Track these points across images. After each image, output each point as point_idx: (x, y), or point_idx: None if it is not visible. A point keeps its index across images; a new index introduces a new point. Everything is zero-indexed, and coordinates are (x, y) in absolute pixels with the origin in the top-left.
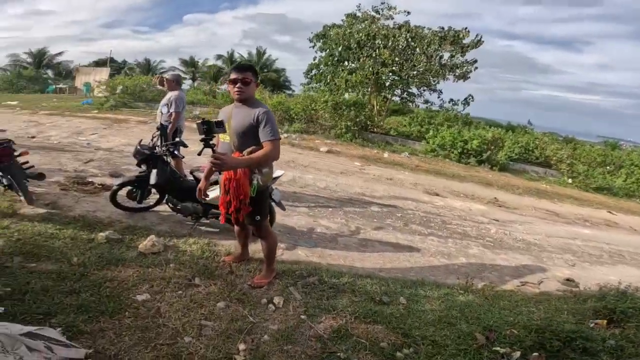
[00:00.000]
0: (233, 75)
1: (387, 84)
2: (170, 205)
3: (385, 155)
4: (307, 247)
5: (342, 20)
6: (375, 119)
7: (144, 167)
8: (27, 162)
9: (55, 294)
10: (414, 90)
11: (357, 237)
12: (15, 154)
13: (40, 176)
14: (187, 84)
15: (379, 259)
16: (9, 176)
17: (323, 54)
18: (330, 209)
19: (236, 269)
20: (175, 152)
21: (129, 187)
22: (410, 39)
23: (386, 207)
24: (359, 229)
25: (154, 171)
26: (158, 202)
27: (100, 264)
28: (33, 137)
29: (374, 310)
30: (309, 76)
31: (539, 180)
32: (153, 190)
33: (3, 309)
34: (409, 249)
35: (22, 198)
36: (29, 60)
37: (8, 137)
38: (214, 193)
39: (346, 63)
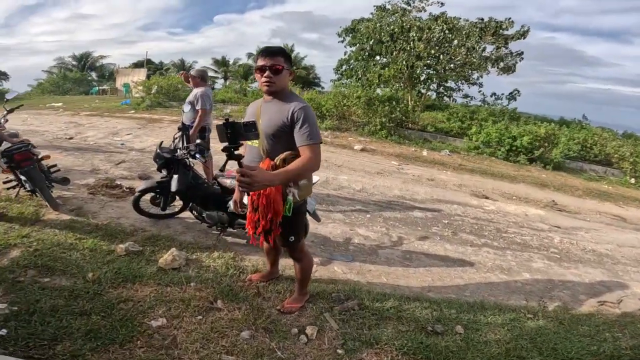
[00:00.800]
0: (261, 62)
1: (422, 78)
2: (195, 214)
3: (424, 153)
4: (344, 262)
5: (371, 13)
6: (411, 114)
7: (165, 172)
8: (55, 166)
9: (65, 315)
10: (450, 84)
11: (399, 248)
12: (38, 157)
13: (65, 181)
14: (219, 83)
15: (426, 276)
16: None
17: (353, 49)
18: (368, 215)
19: (264, 290)
20: (197, 155)
21: (152, 193)
22: (447, 31)
23: (430, 212)
24: (402, 239)
25: (175, 177)
26: (182, 209)
27: (116, 281)
28: (71, 138)
29: (425, 343)
30: (339, 72)
31: (599, 181)
32: (177, 196)
33: (5, 331)
34: (460, 263)
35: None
36: (74, 63)
37: (27, 140)
38: None
39: (378, 57)
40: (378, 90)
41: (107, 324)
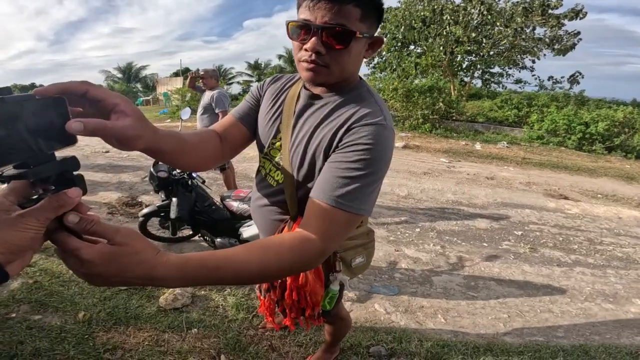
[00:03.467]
0: (304, 14)
1: (464, 65)
2: (206, 239)
3: (477, 146)
4: (388, 295)
5: (398, 2)
6: (455, 104)
7: (163, 195)
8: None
9: None
10: (496, 70)
11: (460, 273)
12: None
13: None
14: (254, 87)
15: (500, 311)
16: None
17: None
18: (418, 229)
19: (280, 343)
20: (194, 174)
21: (156, 217)
22: (485, 12)
23: (496, 221)
24: (463, 259)
25: (174, 201)
26: (194, 234)
27: (108, 322)
28: (107, 152)
29: None
30: (371, 65)
31: None
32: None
33: None
34: (547, 290)
35: None
36: (119, 75)
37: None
38: (251, 230)
39: (412, 46)
40: (416, 81)
41: None
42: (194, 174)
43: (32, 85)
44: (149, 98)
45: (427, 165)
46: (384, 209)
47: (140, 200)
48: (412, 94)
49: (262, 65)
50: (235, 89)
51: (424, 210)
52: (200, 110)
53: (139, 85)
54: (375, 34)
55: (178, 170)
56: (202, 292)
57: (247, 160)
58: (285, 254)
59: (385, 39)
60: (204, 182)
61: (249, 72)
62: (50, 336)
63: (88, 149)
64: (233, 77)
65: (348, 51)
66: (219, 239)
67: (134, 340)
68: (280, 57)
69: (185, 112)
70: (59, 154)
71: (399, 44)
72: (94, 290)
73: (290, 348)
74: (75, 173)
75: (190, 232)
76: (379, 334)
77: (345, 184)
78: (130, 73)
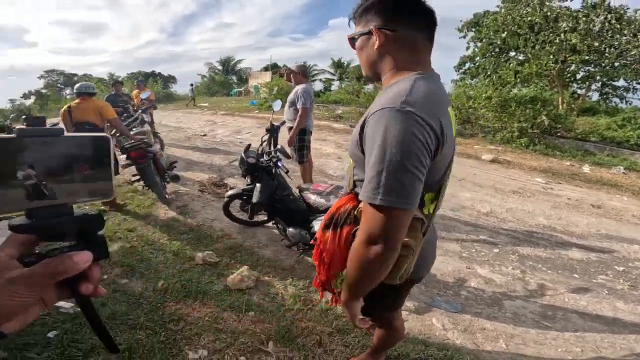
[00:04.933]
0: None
1: (579, 75)
2: (279, 227)
3: (585, 169)
4: (449, 312)
5: (497, 6)
6: (563, 119)
7: (249, 180)
8: (175, 162)
9: (118, 325)
10: (621, 83)
11: (538, 301)
12: (154, 155)
13: (175, 178)
14: (335, 85)
15: (574, 344)
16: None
17: (478, 45)
18: (496, 249)
19: (328, 340)
20: (280, 163)
21: (238, 200)
22: (614, 20)
23: (595, 254)
24: (544, 287)
25: (258, 186)
26: (268, 220)
27: (180, 294)
28: (204, 135)
29: None
30: (461, 71)
31: None
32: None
33: (54, 333)
34: (636, 329)
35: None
36: (219, 67)
37: (145, 140)
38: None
39: (513, 53)
40: (514, 91)
41: (148, 345)
42: (279, 164)
43: (153, 73)
44: (241, 89)
45: (517, 183)
46: (460, 224)
47: (226, 182)
48: (508, 104)
49: (345, 64)
50: (318, 86)
51: (507, 231)
52: (287, 103)
53: (234, 77)
54: (399, 28)
55: (265, 158)
56: (266, 278)
57: (324, 156)
58: (356, 251)
59: (478, 44)
60: (287, 172)
61: (332, 70)
62: (129, 301)
63: (190, 131)
64: (316, 74)
65: (360, 51)
66: (291, 229)
67: (197, 314)
68: None
69: (277, 104)
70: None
71: (497, 49)
72: (176, 261)
73: (337, 347)
74: (99, 233)
75: (266, 218)
76: (430, 349)
77: (367, 178)
78: (228, 66)
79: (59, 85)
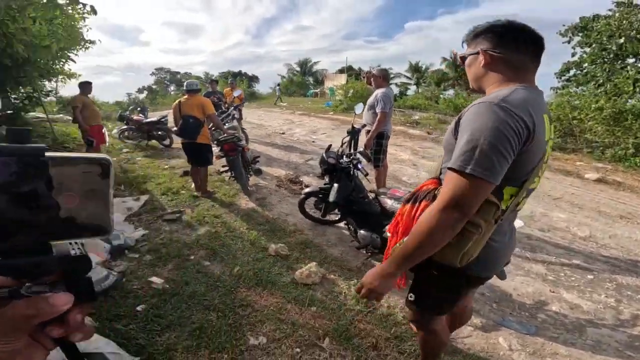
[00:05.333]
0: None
1: None
2: (349, 228)
3: None
4: (519, 333)
5: (609, 10)
6: None
7: (327, 179)
8: (259, 157)
9: (194, 305)
10: None
11: (628, 331)
12: (242, 148)
13: (258, 171)
14: (411, 90)
15: None
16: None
17: (587, 50)
18: (590, 275)
19: (384, 344)
20: (360, 166)
21: (314, 198)
22: None
23: None
24: (638, 318)
25: (335, 186)
26: (340, 220)
27: (252, 281)
28: (283, 133)
29: None
30: (564, 78)
31: None
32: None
33: (142, 307)
34: None
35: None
36: (298, 69)
37: (236, 134)
38: None
39: (631, 59)
40: (631, 101)
41: (217, 326)
42: (359, 166)
43: (240, 72)
44: (317, 91)
45: (627, 207)
46: (550, 245)
47: (301, 179)
48: (624, 117)
49: (423, 68)
50: (393, 90)
51: (607, 258)
52: (367, 106)
53: (310, 79)
54: (511, 51)
55: (345, 159)
56: (332, 276)
57: (398, 162)
58: (430, 216)
59: (587, 50)
60: (367, 174)
61: (408, 74)
62: (208, 283)
63: (270, 128)
64: (392, 78)
65: (469, 68)
66: (362, 231)
67: (264, 303)
68: (443, 60)
69: (359, 107)
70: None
71: (611, 55)
72: (252, 249)
73: (391, 352)
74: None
75: (337, 218)
76: None
77: (460, 152)
78: (305, 68)
79: (165, 82)
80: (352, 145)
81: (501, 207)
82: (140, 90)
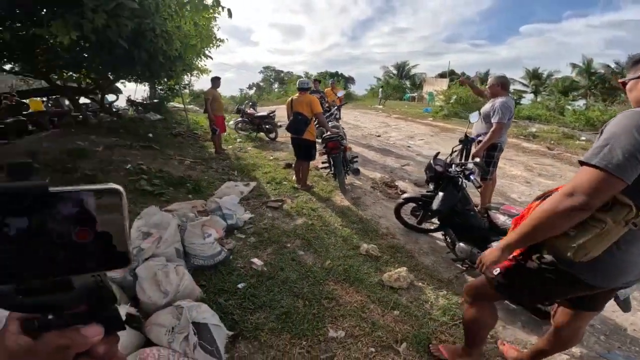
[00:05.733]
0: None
1: None
2: (447, 239)
3: None
4: None
5: None
6: None
7: (432, 187)
8: (357, 157)
9: (285, 290)
10: None
11: None
12: (344, 147)
13: (356, 171)
14: (527, 98)
15: None
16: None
17: None
18: None
19: None
20: (472, 177)
21: (414, 204)
22: None
23: None
24: None
25: (440, 195)
26: (437, 230)
27: (341, 276)
28: (379, 136)
29: None
30: None
31: None
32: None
33: (243, 285)
34: None
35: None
36: (394, 71)
37: (341, 133)
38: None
39: None
40: None
41: (302, 313)
42: (471, 177)
43: (336, 73)
44: (414, 95)
45: None
46: None
47: (396, 184)
48: None
49: (544, 75)
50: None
51: None
52: (474, 115)
53: (407, 82)
54: None
55: (455, 168)
56: (420, 284)
57: (507, 177)
58: (555, 200)
59: None
60: (479, 187)
61: (524, 80)
62: (300, 271)
63: (366, 130)
64: None
65: (629, 92)
66: (461, 244)
67: (348, 299)
68: (574, 67)
69: (474, 116)
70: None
71: None
72: (343, 246)
73: None
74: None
75: (434, 227)
76: None
77: (592, 149)
78: (403, 70)
79: (271, 79)
80: (464, 154)
81: (636, 212)
82: (250, 87)
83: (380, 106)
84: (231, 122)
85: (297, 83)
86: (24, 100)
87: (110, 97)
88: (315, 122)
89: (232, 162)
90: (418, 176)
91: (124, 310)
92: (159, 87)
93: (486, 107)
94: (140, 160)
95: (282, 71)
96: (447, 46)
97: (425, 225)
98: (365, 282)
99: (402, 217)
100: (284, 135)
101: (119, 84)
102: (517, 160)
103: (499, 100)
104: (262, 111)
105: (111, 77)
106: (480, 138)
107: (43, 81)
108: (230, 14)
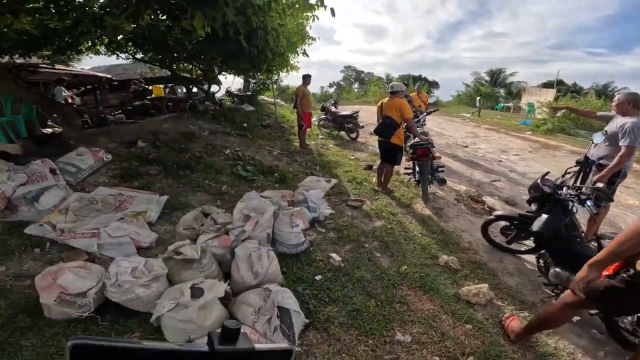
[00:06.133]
0: None
1: None
2: (540, 262)
3: None
4: None
5: None
6: None
7: (534, 207)
8: (443, 167)
9: (358, 289)
10: None
11: None
12: (433, 156)
13: (442, 181)
14: None
15: None
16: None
17: None
18: None
19: None
20: (588, 202)
21: (506, 223)
22: None
23: None
24: None
25: (544, 217)
26: (529, 252)
27: (415, 283)
28: (466, 147)
29: None
30: None
31: None
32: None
33: (320, 277)
34: None
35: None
36: (487, 78)
37: (431, 140)
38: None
39: None
40: None
41: (372, 313)
42: (588, 202)
43: (419, 77)
44: (509, 105)
45: None
46: None
47: (483, 199)
48: None
49: None
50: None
51: None
52: (598, 135)
53: (502, 91)
54: None
55: (567, 191)
56: (499, 303)
57: (621, 206)
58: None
59: None
60: (596, 213)
61: None
62: (375, 272)
63: (452, 139)
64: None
65: None
66: (557, 269)
67: (420, 306)
68: None
69: (598, 137)
70: None
71: None
72: (420, 254)
73: None
74: None
75: (524, 249)
76: None
77: None
78: (497, 78)
79: (351, 79)
80: (581, 178)
81: None
82: (330, 85)
83: (469, 115)
84: (314, 119)
85: (390, 87)
86: (149, 87)
87: (214, 88)
88: (404, 127)
89: (315, 158)
90: (510, 194)
91: (223, 287)
92: (253, 81)
93: (612, 127)
94: (237, 147)
95: (362, 71)
96: (555, 53)
97: (514, 246)
98: (440, 292)
99: (489, 234)
100: (364, 136)
101: (220, 76)
102: (636, 189)
103: (629, 121)
104: (344, 110)
105: (216, 69)
106: (602, 161)
107: (165, 70)
108: (333, 13)
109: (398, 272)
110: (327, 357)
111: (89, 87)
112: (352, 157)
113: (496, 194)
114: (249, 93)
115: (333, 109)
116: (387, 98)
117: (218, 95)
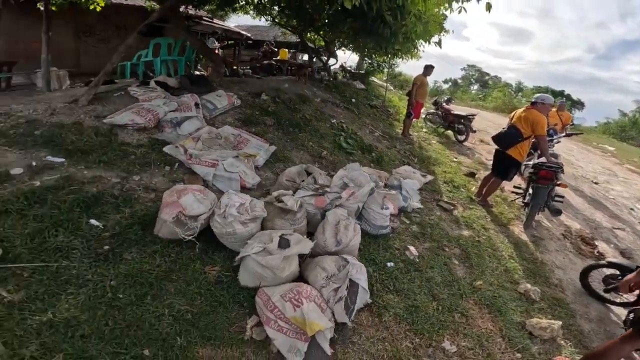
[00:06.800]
0: None
1: None
2: (629, 315)
3: None
4: None
5: None
6: None
7: None
8: (562, 197)
9: (425, 288)
10: None
11: None
12: (557, 182)
13: (557, 212)
14: None
15: None
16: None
17: None
18: None
19: None
20: None
21: (614, 271)
22: None
23: None
24: None
25: None
26: (624, 304)
27: (484, 300)
28: (596, 183)
29: None
30: None
31: None
32: None
33: (392, 264)
34: None
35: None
36: None
37: (562, 165)
38: None
39: None
40: None
41: (429, 314)
42: None
43: (561, 93)
44: None
45: None
46: None
47: (596, 243)
48: None
49: None
50: None
51: None
52: None
53: None
54: None
55: None
56: (562, 342)
57: None
58: None
59: None
60: None
61: None
62: (447, 278)
63: (581, 170)
64: None
65: None
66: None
67: (479, 323)
68: None
69: None
70: None
71: None
72: (501, 275)
73: None
74: None
75: (619, 301)
76: None
77: None
78: None
79: (472, 79)
80: None
81: None
82: (446, 81)
83: (613, 149)
84: (422, 110)
85: (536, 97)
86: (277, 49)
87: (331, 61)
88: (531, 144)
89: (415, 149)
90: (630, 246)
91: (309, 245)
92: (368, 61)
93: None
94: (342, 119)
95: (488, 74)
96: None
97: (610, 295)
98: (506, 316)
99: (588, 278)
100: (473, 141)
101: (338, 51)
102: None
103: None
104: (457, 110)
105: (337, 44)
106: None
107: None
108: (488, 8)
109: (471, 284)
110: (370, 340)
111: (231, 42)
112: (454, 159)
113: (613, 242)
114: (361, 72)
115: (446, 105)
116: (523, 108)
117: (333, 68)
